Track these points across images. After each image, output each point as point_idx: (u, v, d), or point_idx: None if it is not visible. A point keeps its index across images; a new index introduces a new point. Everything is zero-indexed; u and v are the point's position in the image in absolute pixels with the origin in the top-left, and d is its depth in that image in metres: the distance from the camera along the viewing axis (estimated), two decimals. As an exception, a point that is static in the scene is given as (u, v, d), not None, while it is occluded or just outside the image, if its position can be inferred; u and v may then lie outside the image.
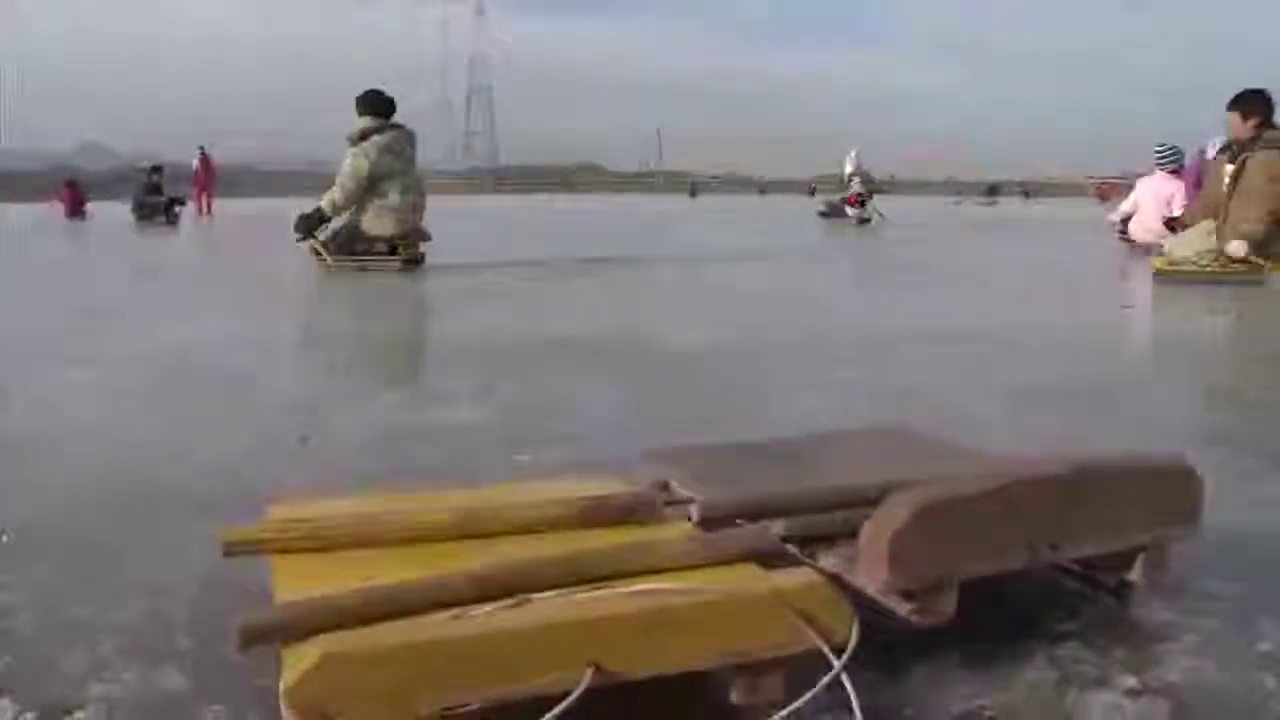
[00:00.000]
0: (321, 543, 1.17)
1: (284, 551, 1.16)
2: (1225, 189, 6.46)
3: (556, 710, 0.90)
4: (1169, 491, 1.29)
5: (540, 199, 39.14)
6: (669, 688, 1.00)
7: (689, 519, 1.25)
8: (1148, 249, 8.48)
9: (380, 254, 6.79)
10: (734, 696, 1.00)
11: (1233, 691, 1.11)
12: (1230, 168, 6.43)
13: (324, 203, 6.86)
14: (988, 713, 1.06)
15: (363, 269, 6.68)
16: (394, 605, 0.98)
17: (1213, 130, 9.23)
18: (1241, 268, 6.18)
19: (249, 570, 1.20)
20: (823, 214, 14.51)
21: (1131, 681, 1.12)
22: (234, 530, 1.20)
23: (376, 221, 6.77)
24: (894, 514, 1.11)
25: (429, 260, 7.04)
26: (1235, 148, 6.43)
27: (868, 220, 13.54)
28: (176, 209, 16.87)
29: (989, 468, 1.33)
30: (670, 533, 1.22)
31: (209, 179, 22.81)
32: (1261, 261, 6.18)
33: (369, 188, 6.77)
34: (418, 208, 6.96)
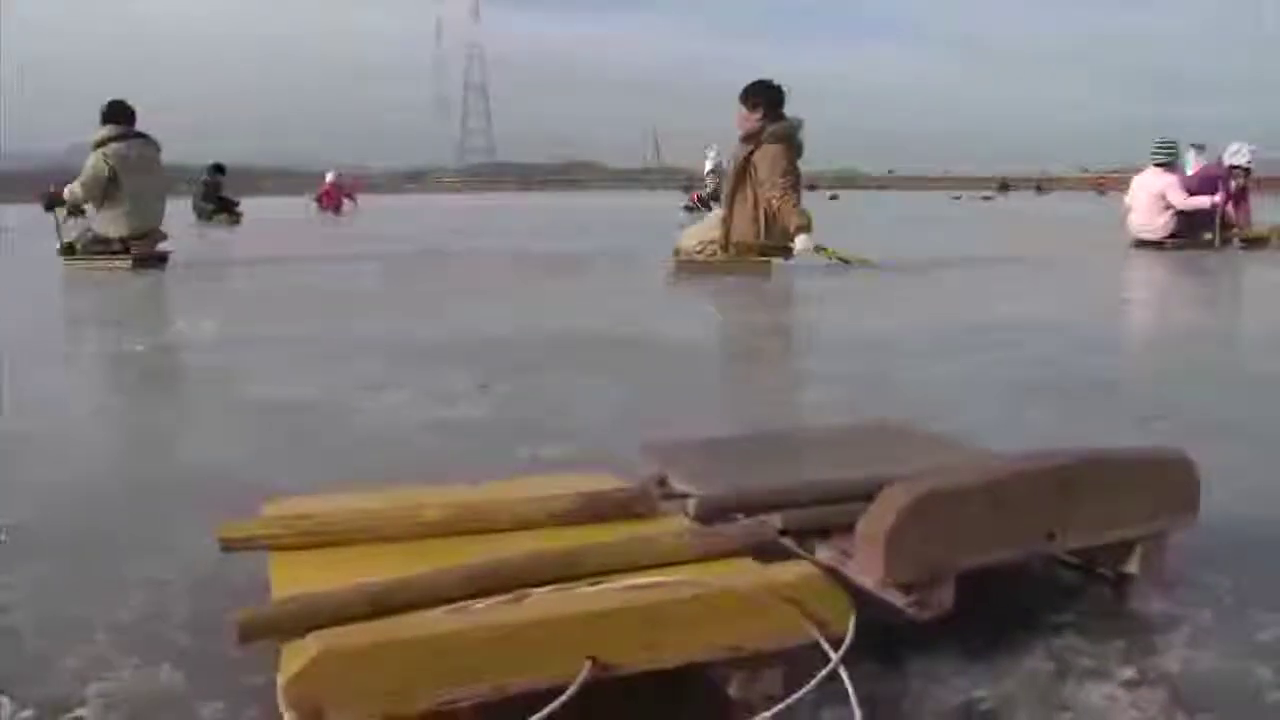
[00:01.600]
0: (319, 539, 1.17)
1: (281, 548, 1.16)
2: (730, 181, 6.65)
3: (554, 704, 0.90)
4: (1166, 484, 1.29)
5: (504, 197, 39.05)
6: (667, 681, 1.00)
7: (686, 514, 1.25)
8: (1150, 244, 8.48)
9: (115, 253, 7.10)
10: (732, 690, 1.00)
11: (1229, 682, 1.12)
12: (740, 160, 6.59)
13: (66, 191, 7.18)
14: (986, 704, 1.06)
15: (90, 269, 6.96)
16: (391, 601, 0.98)
17: (1211, 130, 9.26)
18: (755, 257, 6.33)
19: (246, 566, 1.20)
20: (686, 209, 14.82)
21: (1129, 672, 1.13)
22: (231, 526, 1.20)
23: (111, 224, 7.11)
24: (891, 507, 1.11)
25: (182, 259, 7.34)
26: (744, 139, 6.58)
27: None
28: (238, 210, 16.26)
29: (985, 461, 1.34)
30: (667, 527, 1.22)
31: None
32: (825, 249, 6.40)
33: (108, 192, 7.07)
34: (154, 211, 7.29)
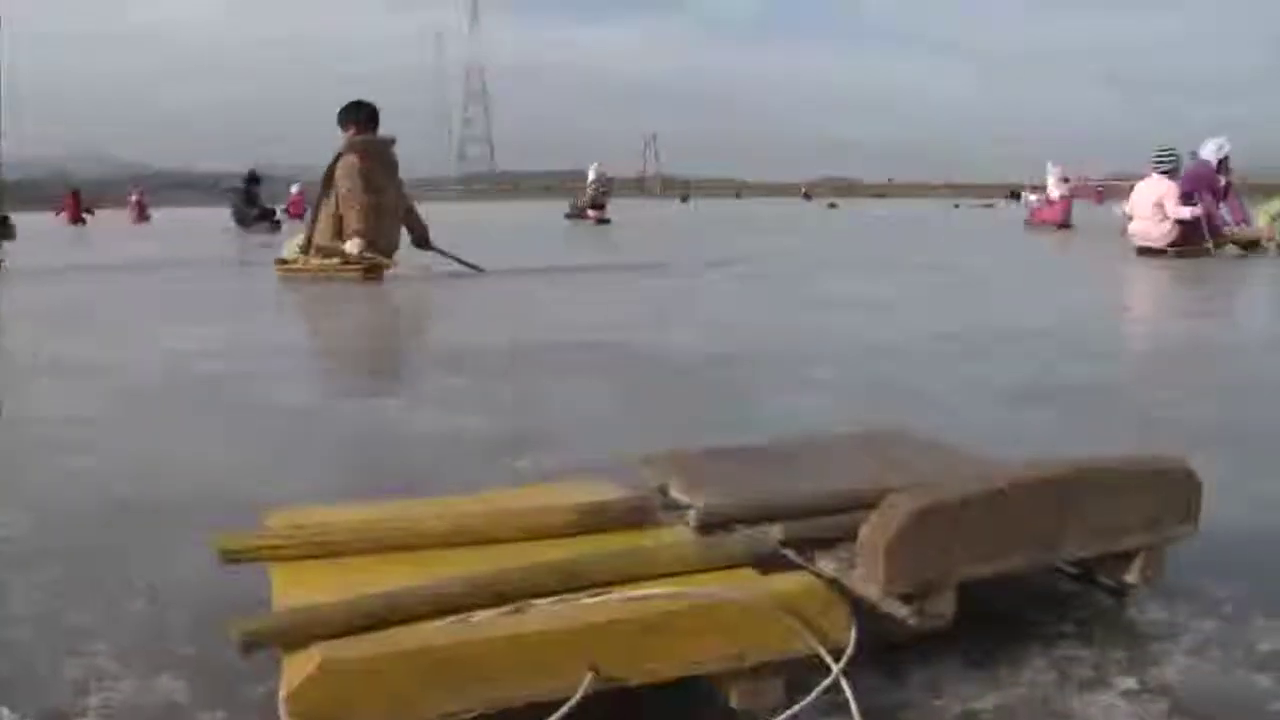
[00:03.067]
0: (320, 550, 1.17)
1: (282, 559, 1.16)
2: (318, 190, 7.08)
3: (557, 715, 0.90)
4: (1166, 492, 1.29)
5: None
6: (668, 693, 1.00)
7: (687, 524, 1.25)
8: (1142, 249, 8.53)
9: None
10: (733, 701, 1.00)
11: (1231, 692, 1.12)
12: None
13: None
14: (986, 714, 1.06)
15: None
16: (393, 612, 0.98)
17: (1208, 129, 9.32)
18: (353, 266, 6.65)
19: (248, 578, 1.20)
20: (567, 215, 17.15)
21: (1130, 682, 1.12)
22: (231, 538, 1.20)
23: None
24: (892, 517, 1.11)
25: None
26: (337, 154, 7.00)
27: (606, 221, 16.43)
28: (276, 218, 16.39)
29: (986, 470, 1.34)
30: (668, 538, 1.22)
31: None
32: (372, 256, 6.67)
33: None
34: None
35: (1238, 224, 9.00)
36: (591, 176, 17.21)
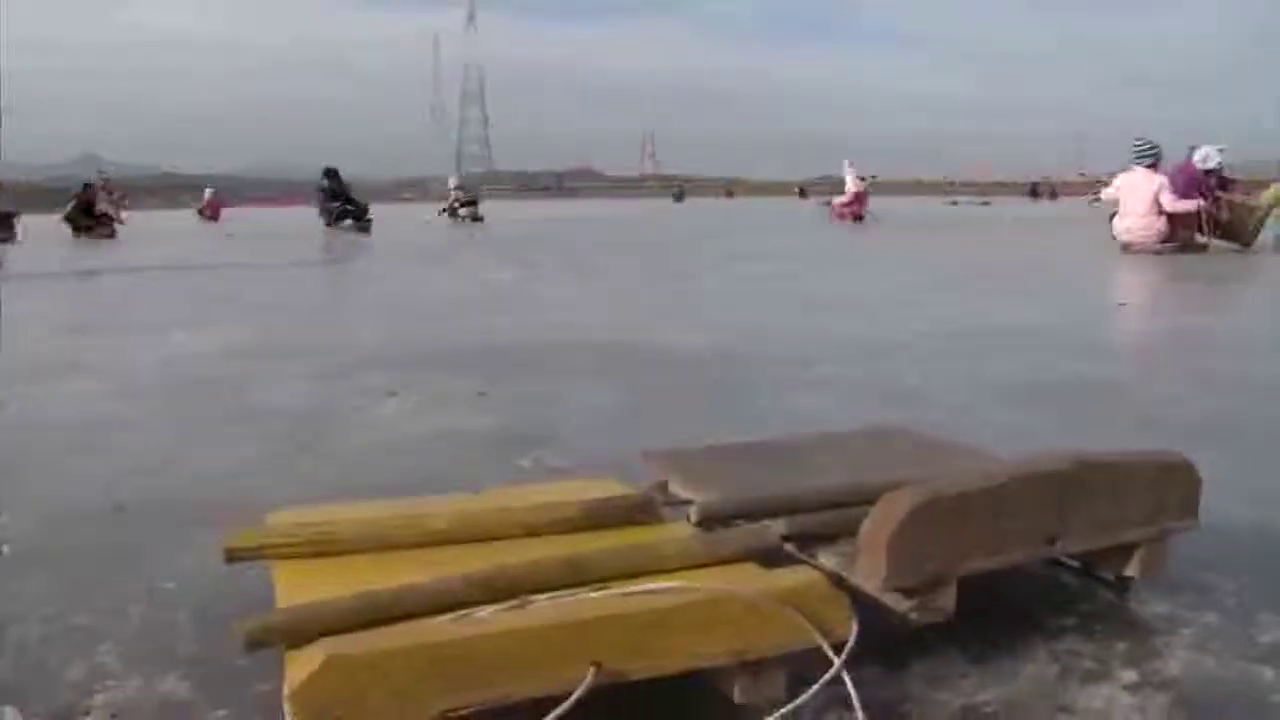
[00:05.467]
0: (323, 548, 1.18)
1: (286, 557, 1.17)
2: None
3: (559, 710, 0.91)
4: (1167, 487, 1.29)
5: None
6: (671, 687, 1.00)
7: (688, 520, 1.26)
8: (1135, 246, 8.44)
9: None
10: (735, 695, 1.01)
11: (1232, 684, 1.12)
12: None
13: None
14: (988, 707, 1.07)
15: None
16: (397, 609, 0.98)
17: (1202, 131, 9.30)
18: None
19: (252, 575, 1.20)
20: (441, 212, 18.75)
21: (1131, 675, 1.13)
22: (236, 536, 1.20)
23: None
24: (892, 512, 1.12)
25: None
26: None
27: (480, 219, 18.12)
28: (368, 216, 15.31)
29: (987, 465, 1.34)
30: (670, 534, 1.23)
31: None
32: None
33: None
34: None
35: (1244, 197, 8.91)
36: (452, 184, 19.84)
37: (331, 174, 16.09)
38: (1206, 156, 8.76)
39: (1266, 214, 8.77)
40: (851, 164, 17.24)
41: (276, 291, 6.45)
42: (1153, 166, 8.60)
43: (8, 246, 12.37)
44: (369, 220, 15.30)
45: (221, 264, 8.88)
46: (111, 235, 14.20)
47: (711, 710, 1.03)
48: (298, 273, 8.13)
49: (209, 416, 2.61)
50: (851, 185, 17.10)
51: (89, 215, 14.59)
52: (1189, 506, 1.30)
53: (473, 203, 18.72)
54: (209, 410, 2.70)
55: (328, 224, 15.38)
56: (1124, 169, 8.88)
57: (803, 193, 46.74)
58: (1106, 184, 9.52)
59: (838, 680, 0.99)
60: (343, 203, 15.59)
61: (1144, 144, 8.71)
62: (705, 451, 1.64)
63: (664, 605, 0.99)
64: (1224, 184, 8.81)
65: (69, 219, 14.52)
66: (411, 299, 5.84)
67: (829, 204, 18.75)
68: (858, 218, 16.38)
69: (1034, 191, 40.19)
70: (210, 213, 22.32)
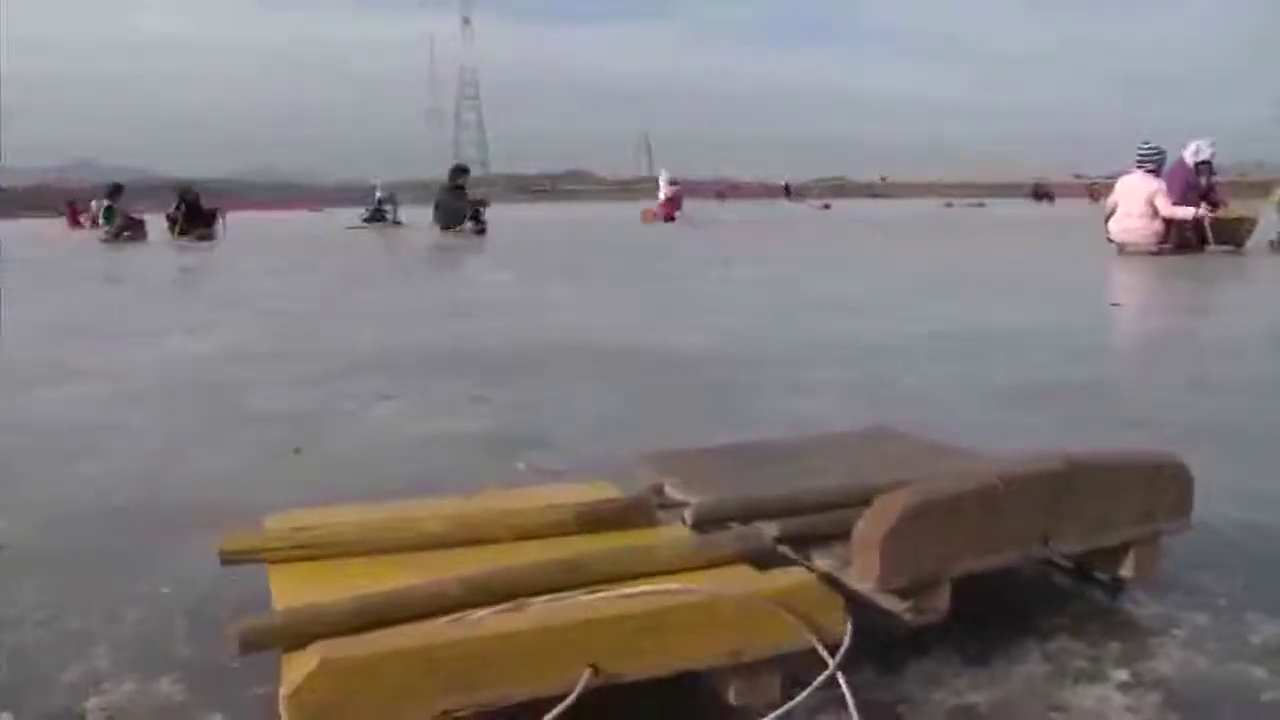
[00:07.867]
0: (319, 551, 1.18)
1: (282, 560, 1.17)
2: None
3: (555, 712, 0.91)
4: (1159, 487, 1.30)
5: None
6: (666, 688, 1.00)
7: (683, 522, 1.26)
8: (1129, 247, 8.46)
9: None
10: (731, 696, 1.01)
11: (1224, 684, 1.12)
12: None
13: None
14: (982, 708, 1.07)
15: None
16: (392, 611, 0.98)
17: (1202, 131, 9.29)
18: None
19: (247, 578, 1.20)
20: (365, 220, 18.62)
21: (1124, 675, 1.13)
22: (232, 539, 1.20)
23: None
24: (886, 513, 1.12)
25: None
26: None
27: (399, 223, 18.15)
28: (484, 220, 13.75)
29: (980, 466, 1.34)
30: (665, 536, 1.23)
31: None
32: None
33: None
34: None
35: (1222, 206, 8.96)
36: (380, 194, 19.84)
37: (463, 171, 14.86)
38: (1197, 150, 8.80)
39: (1256, 224, 8.80)
40: (665, 171, 20.53)
41: (278, 291, 6.44)
42: (1154, 172, 8.63)
43: (210, 243, 13.18)
44: (485, 223, 13.85)
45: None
46: (211, 238, 14.36)
47: (707, 712, 1.04)
48: (298, 274, 8.16)
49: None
50: (665, 190, 19.57)
51: (198, 219, 14.80)
52: (1182, 506, 1.31)
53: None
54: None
55: (444, 227, 13.89)
56: (1126, 171, 8.91)
57: (787, 190, 46.74)
58: (1105, 188, 9.54)
59: (833, 681, 1.00)
60: (474, 204, 14.19)
61: (1150, 149, 8.73)
62: (701, 453, 1.64)
63: (659, 607, 0.99)
64: (1214, 202, 8.81)
65: (170, 218, 14.74)
66: (412, 299, 5.84)
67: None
68: (669, 219, 18.38)
69: (1036, 193, 40.01)
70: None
